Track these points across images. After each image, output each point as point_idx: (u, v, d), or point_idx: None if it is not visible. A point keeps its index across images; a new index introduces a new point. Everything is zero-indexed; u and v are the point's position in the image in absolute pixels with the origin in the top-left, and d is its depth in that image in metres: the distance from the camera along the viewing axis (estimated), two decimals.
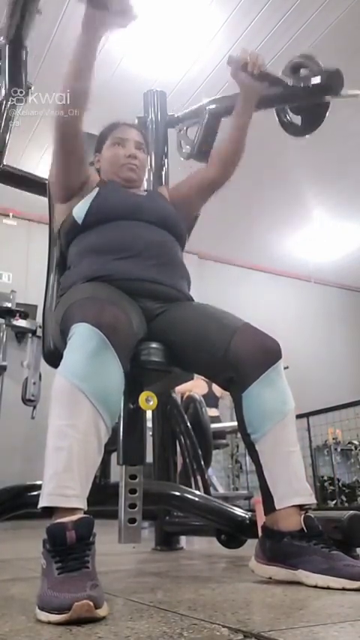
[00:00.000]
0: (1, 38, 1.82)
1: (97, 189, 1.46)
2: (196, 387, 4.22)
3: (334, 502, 5.42)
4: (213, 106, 1.94)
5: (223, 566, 1.65)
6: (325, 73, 1.59)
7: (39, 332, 4.28)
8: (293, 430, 1.19)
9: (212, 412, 4.42)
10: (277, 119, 1.94)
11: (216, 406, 4.68)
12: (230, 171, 1.57)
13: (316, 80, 1.57)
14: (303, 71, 1.72)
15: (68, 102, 1.31)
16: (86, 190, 1.46)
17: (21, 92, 2.05)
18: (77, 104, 1.32)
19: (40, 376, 4.41)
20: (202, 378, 4.01)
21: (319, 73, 1.60)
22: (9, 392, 4.53)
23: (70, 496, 0.93)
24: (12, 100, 1.97)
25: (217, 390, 4.65)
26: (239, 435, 1.49)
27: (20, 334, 5.01)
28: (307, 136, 1.84)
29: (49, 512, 0.94)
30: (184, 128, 2.13)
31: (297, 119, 1.88)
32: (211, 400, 4.53)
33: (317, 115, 1.77)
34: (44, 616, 0.77)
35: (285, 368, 1.20)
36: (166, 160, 2.22)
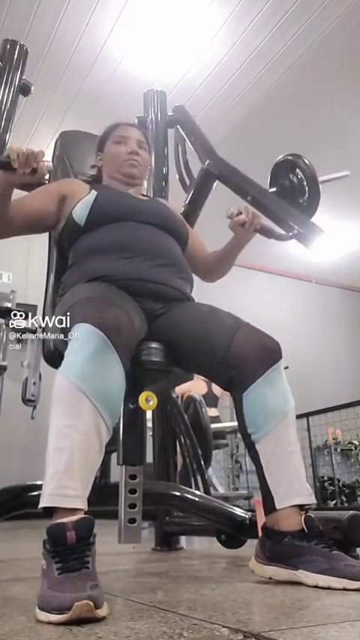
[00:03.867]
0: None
1: (94, 192, 1.46)
2: (196, 387, 4.22)
3: (334, 502, 5.42)
4: (211, 164, 1.92)
5: (223, 566, 1.65)
6: (311, 229, 1.57)
7: (39, 332, 4.27)
8: (294, 430, 1.19)
9: (212, 412, 4.42)
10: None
11: (215, 406, 4.69)
12: (210, 279, 1.69)
13: (300, 235, 1.58)
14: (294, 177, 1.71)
15: None
16: (73, 199, 1.45)
17: (21, 92, 2.05)
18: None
19: (40, 376, 4.40)
20: (202, 378, 4.02)
21: (306, 225, 1.58)
22: (9, 392, 4.52)
23: (70, 496, 0.93)
24: (12, 100, 1.97)
25: (216, 390, 4.65)
26: (239, 435, 1.49)
27: (20, 334, 5.00)
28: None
29: (50, 512, 0.93)
30: (183, 141, 2.15)
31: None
32: (211, 400, 4.53)
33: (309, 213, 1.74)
34: (44, 616, 0.77)
35: (285, 368, 1.20)
36: (166, 160, 2.22)
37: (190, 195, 2.02)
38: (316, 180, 1.64)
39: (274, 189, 1.73)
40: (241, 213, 1.47)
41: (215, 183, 1.92)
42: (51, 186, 1.57)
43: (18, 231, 1.44)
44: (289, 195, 1.69)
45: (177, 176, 2.18)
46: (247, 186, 1.72)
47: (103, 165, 1.60)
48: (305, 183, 1.65)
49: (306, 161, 1.67)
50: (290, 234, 1.52)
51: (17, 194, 1.36)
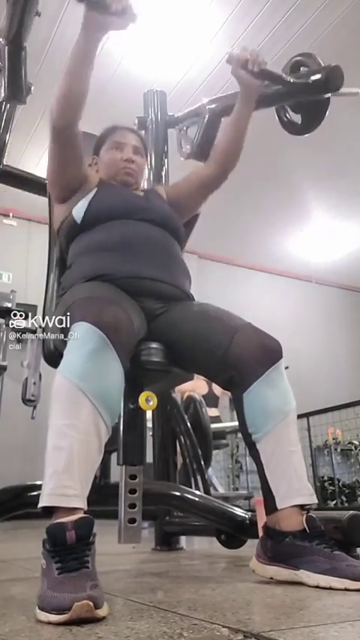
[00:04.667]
0: (1, 39, 1.82)
1: (95, 189, 1.46)
2: (197, 387, 4.22)
3: (334, 502, 5.42)
4: (213, 105, 1.94)
5: (223, 566, 1.65)
6: (325, 69, 1.59)
7: (39, 332, 4.27)
8: (294, 430, 1.19)
9: (212, 412, 4.42)
10: (276, 118, 1.93)
11: (216, 406, 4.69)
12: (229, 168, 1.58)
13: (317, 76, 1.57)
14: (303, 69, 1.72)
15: (66, 101, 1.31)
16: (85, 190, 1.46)
17: (21, 92, 2.05)
18: (75, 104, 1.33)
19: (40, 376, 4.40)
20: (202, 378, 4.02)
21: (320, 70, 1.60)
22: (9, 392, 4.52)
23: (70, 496, 0.93)
24: (12, 100, 1.97)
25: (217, 390, 4.65)
26: (239, 435, 1.49)
27: (20, 334, 5.00)
28: (307, 134, 1.84)
29: (49, 512, 0.93)
30: (184, 128, 2.13)
31: (297, 117, 1.88)
32: (211, 400, 4.53)
33: (317, 113, 1.76)
34: (44, 616, 0.77)
35: (285, 368, 1.20)
36: (166, 160, 2.22)
37: (198, 143, 1.96)
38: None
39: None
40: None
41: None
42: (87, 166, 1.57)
43: (73, 145, 1.38)
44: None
45: (177, 173, 2.17)
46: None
47: (99, 169, 1.59)
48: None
49: (319, 60, 1.64)
50: (305, 80, 1.46)
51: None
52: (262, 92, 1.55)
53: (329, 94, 1.68)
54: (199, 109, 1.99)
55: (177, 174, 1.98)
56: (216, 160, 1.58)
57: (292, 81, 1.56)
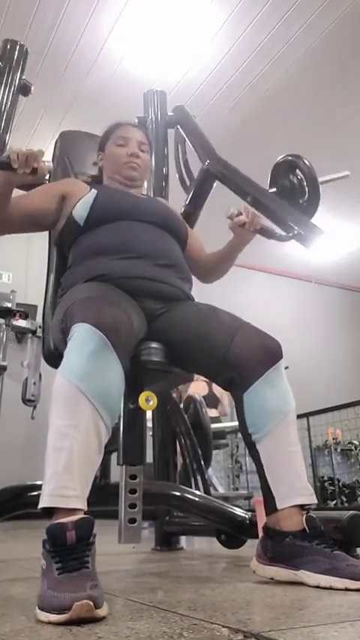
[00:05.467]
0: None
1: (93, 191, 1.46)
2: (197, 388, 4.23)
3: (334, 502, 5.42)
4: (211, 164, 1.91)
5: (223, 566, 1.65)
6: (311, 230, 1.56)
7: (39, 332, 4.28)
8: (294, 430, 1.19)
9: (212, 413, 4.42)
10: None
11: (216, 407, 4.69)
12: (208, 280, 1.68)
13: (300, 236, 1.57)
14: (298, 173, 1.70)
15: None
16: (70, 204, 1.45)
17: (21, 92, 2.05)
18: None
19: (40, 376, 4.41)
20: (203, 379, 4.02)
21: (306, 226, 1.57)
22: (9, 392, 4.52)
23: (70, 496, 0.93)
24: (12, 100, 1.97)
25: (217, 390, 4.65)
26: (239, 435, 1.49)
27: (20, 334, 5.01)
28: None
29: (49, 512, 0.93)
30: (183, 141, 2.14)
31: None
32: (212, 401, 4.53)
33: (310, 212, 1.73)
34: (44, 616, 0.77)
35: (285, 368, 1.20)
36: (166, 160, 2.22)
37: (190, 196, 2.02)
38: (316, 181, 1.64)
39: (273, 189, 1.73)
40: (241, 214, 1.47)
41: (215, 184, 1.92)
42: (52, 185, 1.57)
43: (17, 228, 1.44)
44: (288, 195, 1.69)
45: (177, 176, 2.18)
46: (247, 187, 1.72)
47: (104, 165, 1.60)
48: (305, 183, 1.65)
49: (306, 162, 1.66)
50: (290, 234, 1.52)
51: (16, 193, 1.36)
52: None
53: (319, 179, 1.66)
54: (202, 154, 1.96)
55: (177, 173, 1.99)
56: (206, 268, 1.65)
57: (283, 234, 1.58)
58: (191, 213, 2.00)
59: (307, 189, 1.65)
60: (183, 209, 1.99)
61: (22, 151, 1.18)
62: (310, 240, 1.50)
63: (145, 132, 1.67)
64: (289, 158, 1.71)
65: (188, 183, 2.12)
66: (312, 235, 1.50)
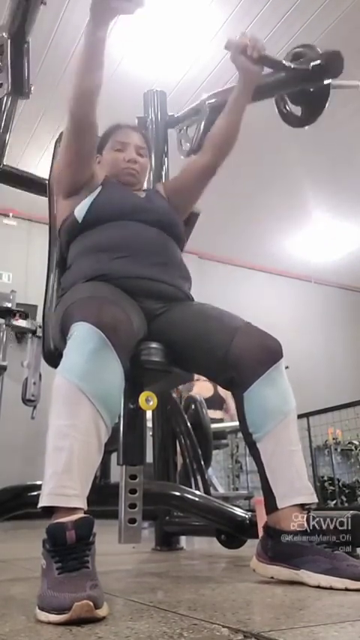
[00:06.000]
0: (4, 34, 1.80)
1: (99, 187, 1.46)
2: (202, 389, 4.22)
3: (334, 502, 5.42)
4: (213, 100, 1.92)
5: (223, 566, 1.65)
6: (325, 54, 1.57)
7: (39, 332, 4.28)
8: (295, 429, 1.19)
9: (217, 414, 4.42)
10: (276, 110, 1.91)
11: (221, 408, 4.67)
12: (224, 155, 1.55)
13: (316, 62, 1.54)
14: (303, 59, 1.69)
15: (81, 90, 1.30)
16: (91, 187, 1.45)
17: (23, 90, 2.04)
18: (90, 92, 1.30)
19: (40, 376, 4.40)
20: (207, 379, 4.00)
21: (319, 56, 1.58)
22: (9, 392, 4.52)
23: (70, 496, 0.93)
24: (13, 98, 1.96)
25: (222, 392, 4.63)
26: (239, 435, 1.49)
27: (20, 334, 5.00)
28: (307, 126, 1.81)
29: (49, 512, 0.93)
30: (184, 127, 2.13)
31: (297, 110, 1.85)
32: (217, 402, 4.52)
33: (317, 104, 1.74)
34: (44, 616, 0.77)
35: (285, 368, 1.20)
36: (166, 159, 2.22)
37: (199, 139, 1.95)
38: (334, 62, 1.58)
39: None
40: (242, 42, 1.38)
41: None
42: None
43: (92, 125, 1.36)
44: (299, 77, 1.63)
45: (177, 174, 2.17)
46: None
47: (102, 168, 1.59)
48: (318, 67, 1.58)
49: (319, 50, 1.63)
50: (305, 66, 1.45)
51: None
52: (262, 80, 1.51)
53: (329, 81, 1.64)
54: (199, 105, 1.97)
55: (178, 173, 1.99)
56: (212, 146, 1.56)
57: (292, 67, 1.53)
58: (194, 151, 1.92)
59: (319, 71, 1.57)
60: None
61: None
62: (335, 68, 1.41)
63: (144, 134, 1.66)
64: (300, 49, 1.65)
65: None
66: (329, 58, 1.44)
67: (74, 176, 1.45)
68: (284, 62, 1.48)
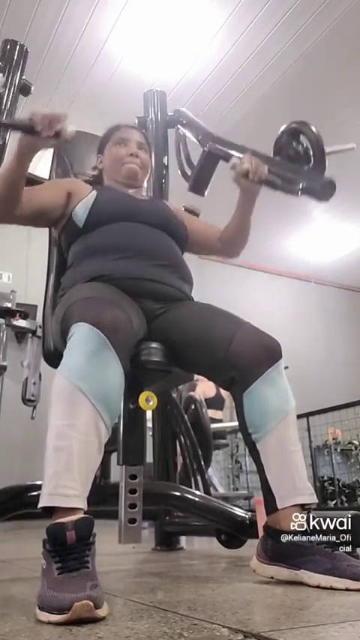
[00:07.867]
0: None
1: (94, 192, 1.46)
2: (205, 389, 4.22)
3: (334, 502, 5.42)
4: (212, 145, 1.89)
5: (223, 566, 1.65)
6: (321, 182, 1.55)
7: (39, 332, 4.28)
8: (294, 429, 1.19)
9: (218, 415, 4.42)
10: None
11: (222, 409, 4.67)
12: (235, 253, 1.67)
13: (311, 188, 1.54)
14: (302, 138, 1.67)
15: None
16: (73, 203, 1.45)
17: (21, 92, 2.04)
18: (9, 202, 1.33)
19: (40, 376, 4.41)
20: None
21: (315, 179, 1.54)
22: (9, 392, 4.52)
23: (70, 496, 0.93)
24: (12, 100, 1.97)
25: (224, 392, 4.63)
26: (239, 435, 1.50)
27: (20, 334, 5.01)
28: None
29: (49, 512, 0.93)
30: (184, 138, 2.13)
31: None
32: (219, 403, 4.52)
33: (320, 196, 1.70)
34: (44, 616, 0.77)
35: (285, 368, 1.20)
36: (166, 159, 2.22)
37: (194, 178, 1.96)
38: (323, 147, 1.58)
39: (277, 158, 1.68)
40: (244, 163, 1.43)
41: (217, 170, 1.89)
42: (58, 181, 1.61)
43: (24, 218, 1.41)
44: (293, 162, 1.64)
45: (177, 174, 2.17)
46: (248, 151, 1.68)
47: (104, 167, 1.61)
48: (311, 151, 1.59)
49: (312, 128, 1.62)
50: (299, 187, 1.47)
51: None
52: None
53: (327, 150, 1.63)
54: (200, 130, 1.94)
55: (177, 175, 1.99)
56: (226, 243, 1.64)
57: (289, 187, 1.54)
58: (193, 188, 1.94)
59: (312, 156, 1.59)
60: (183, 207, 1.97)
61: (44, 114, 1.15)
62: (322, 192, 1.45)
63: (144, 133, 1.68)
64: (294, 125, 1.67)
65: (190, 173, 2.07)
66: (323, 186, 1.46)
67: (48, 218, 1.47)
68: (283, 185, 1.51)
